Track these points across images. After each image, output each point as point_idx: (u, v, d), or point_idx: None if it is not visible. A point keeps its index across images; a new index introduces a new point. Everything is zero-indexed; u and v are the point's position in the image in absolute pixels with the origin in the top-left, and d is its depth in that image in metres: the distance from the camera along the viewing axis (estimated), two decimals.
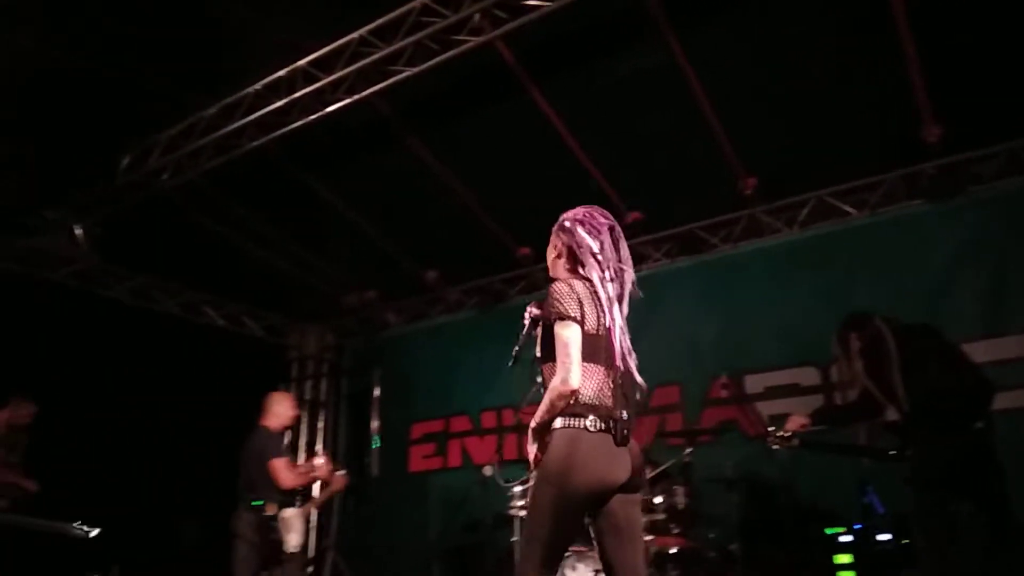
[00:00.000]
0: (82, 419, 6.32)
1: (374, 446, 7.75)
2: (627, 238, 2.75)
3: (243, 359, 8.51)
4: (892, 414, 3.99)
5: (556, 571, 2.43)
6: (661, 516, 4.63)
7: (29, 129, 5.44)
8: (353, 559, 6.97)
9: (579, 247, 2.62)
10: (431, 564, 6.95)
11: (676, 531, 4.65)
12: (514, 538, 4.83)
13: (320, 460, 5.42)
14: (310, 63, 5.07)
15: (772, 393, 5.95)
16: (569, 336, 2.43)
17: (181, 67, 5.13)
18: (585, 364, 2.45)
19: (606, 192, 6.00)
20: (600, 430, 2.41)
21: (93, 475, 6.23)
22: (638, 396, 2.59)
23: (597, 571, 4.39)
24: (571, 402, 2.42)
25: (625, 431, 2.45)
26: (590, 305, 2.50)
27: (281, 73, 5.15)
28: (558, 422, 2.44)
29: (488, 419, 7.36)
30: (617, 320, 2.54)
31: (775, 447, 4.15)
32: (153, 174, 5.96)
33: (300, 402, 8.70)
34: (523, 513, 4.76)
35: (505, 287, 7.57)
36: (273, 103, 5.20)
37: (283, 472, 5.01)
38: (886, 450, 3.93)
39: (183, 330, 7.75)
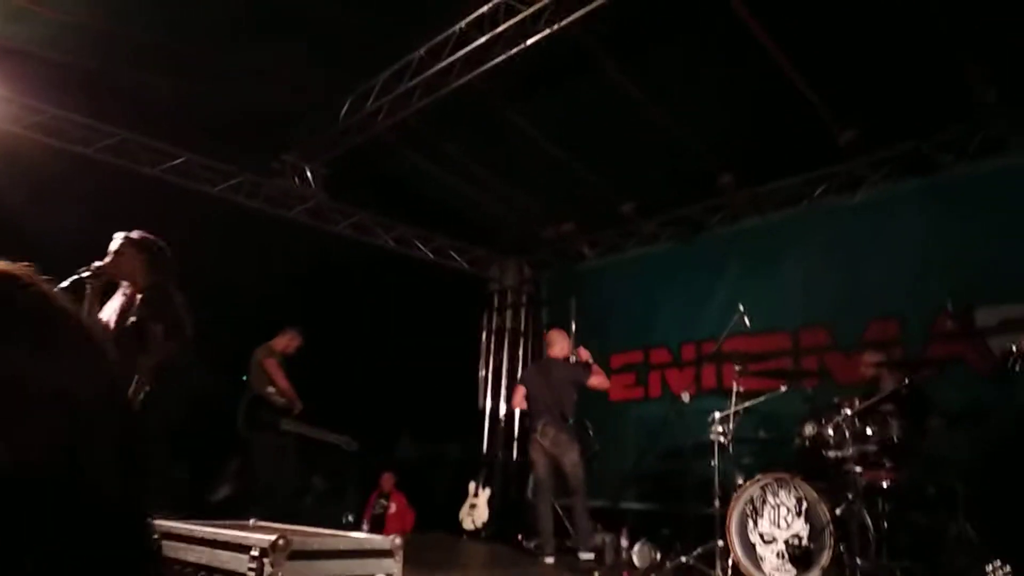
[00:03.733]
0: (313, 344, 7.08)
1: None
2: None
3: (449, 290, 9.12)
4: None
5: None
6: (873, 448, 4.41)
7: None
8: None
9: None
10: (627, 489, 7.15)
11: (889, 465, 4.43)
12: (713, 462, 4.85)
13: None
14: None
15: (1009, 327, 5.37)
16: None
17: (390, 10, 5.43)
18: None
19: (813, 103, 5.61)
20: None
21: (325, 396, 7.01)
22: None
23: (799, 498, 4.33)
24: None
25: None
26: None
27: (484, 9, 5.30)
28: None
29: (688, 351, 7.32)
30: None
31: (1017, 369, 3.79)
32: (370, 116, 6.45)
33: (500, 331, 9.22)
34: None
35: (706, 215, 7.39)
36: (477, 39, 5.39)
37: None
38: None
39: (396, 263, 8.40)
